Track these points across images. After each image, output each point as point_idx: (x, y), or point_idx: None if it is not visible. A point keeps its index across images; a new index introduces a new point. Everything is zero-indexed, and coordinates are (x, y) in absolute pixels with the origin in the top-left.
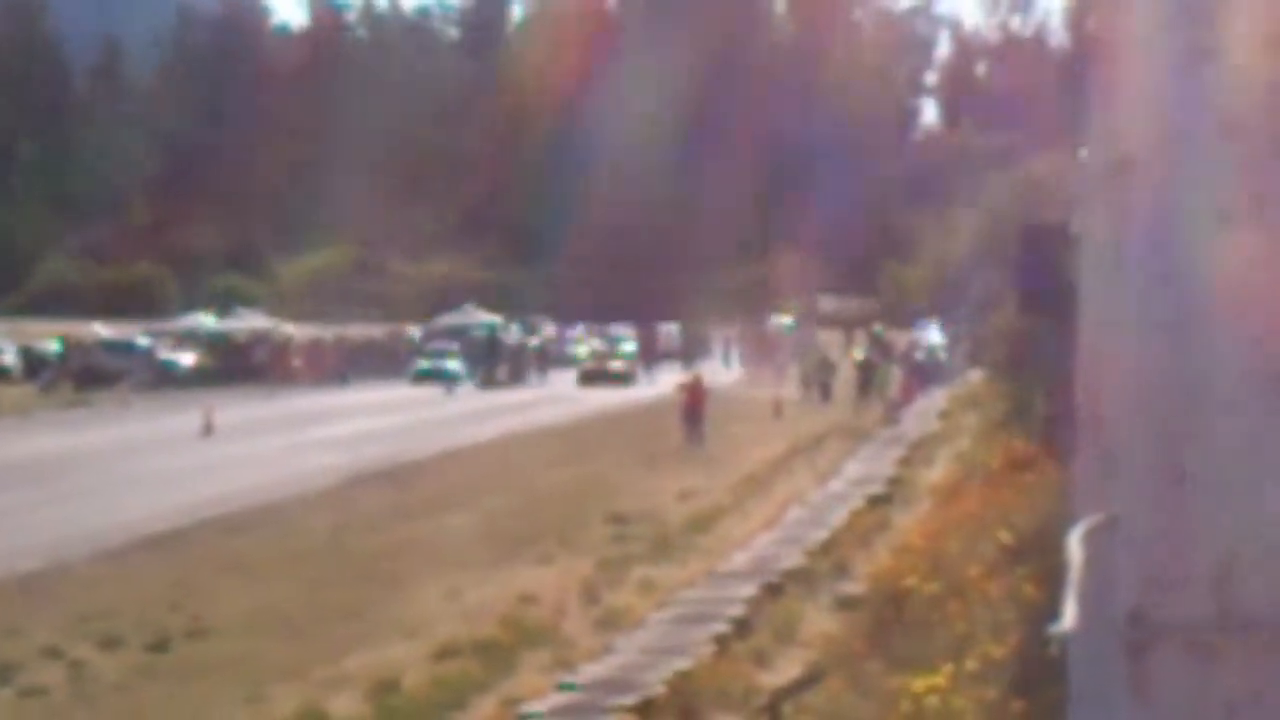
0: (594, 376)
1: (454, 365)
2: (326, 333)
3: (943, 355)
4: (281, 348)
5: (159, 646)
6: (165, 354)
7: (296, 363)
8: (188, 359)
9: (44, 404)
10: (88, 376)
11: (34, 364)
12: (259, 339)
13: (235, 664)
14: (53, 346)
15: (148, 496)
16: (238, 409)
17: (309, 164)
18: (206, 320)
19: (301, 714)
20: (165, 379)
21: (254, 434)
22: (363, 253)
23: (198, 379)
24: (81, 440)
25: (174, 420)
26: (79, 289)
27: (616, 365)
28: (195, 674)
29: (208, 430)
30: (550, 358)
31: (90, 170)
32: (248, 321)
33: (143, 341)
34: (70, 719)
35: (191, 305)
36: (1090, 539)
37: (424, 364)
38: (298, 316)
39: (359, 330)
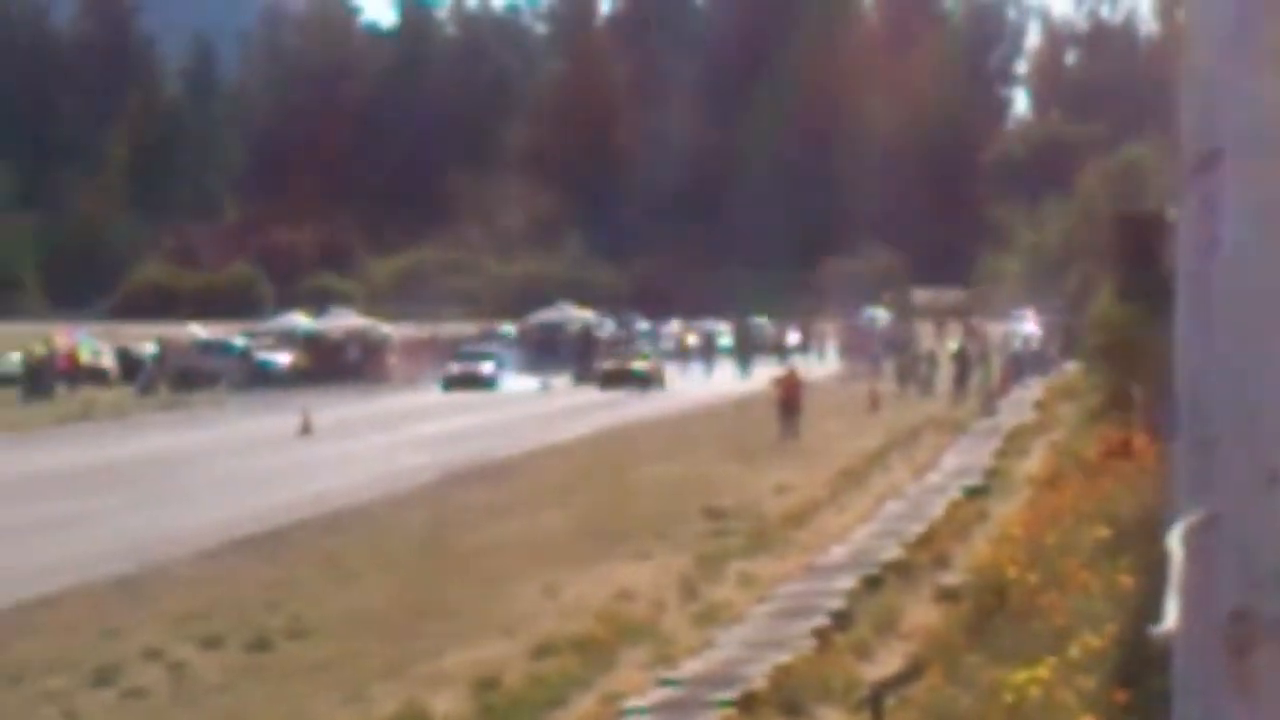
0: (615, 379)
1: (489, 368)
2: (420, 331)
3: (1038, 346)
4: (377, 346)
5: (259, 646)
6: (261, 354)
7: (392, 361)
8: (283, 359)
9: (141, 406)
10: (184, 378)
11: (130, 366)
12: (354, 338)
13: (335, 663)
14: (149, 349)
15: (246, 497)
16: (334, 408)
17: (401, 162)
18: (301, 320)
19: (403, 713)
20: (261, 379)
21: (350, 433)
22: (455, 251)
23: (293, 379)
24: (179, 441)
25: (271, 420)
26: (174, 291)
27: (641, 365)
28: (296, 674)
29: (305, 430)
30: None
31: (183, 172)
32: (342, 321)
33: (239, 342)
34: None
35: (286, 305)
36: (1191, 535)
37: (454, 369)
38: (390, 315)
39: (452, 328)
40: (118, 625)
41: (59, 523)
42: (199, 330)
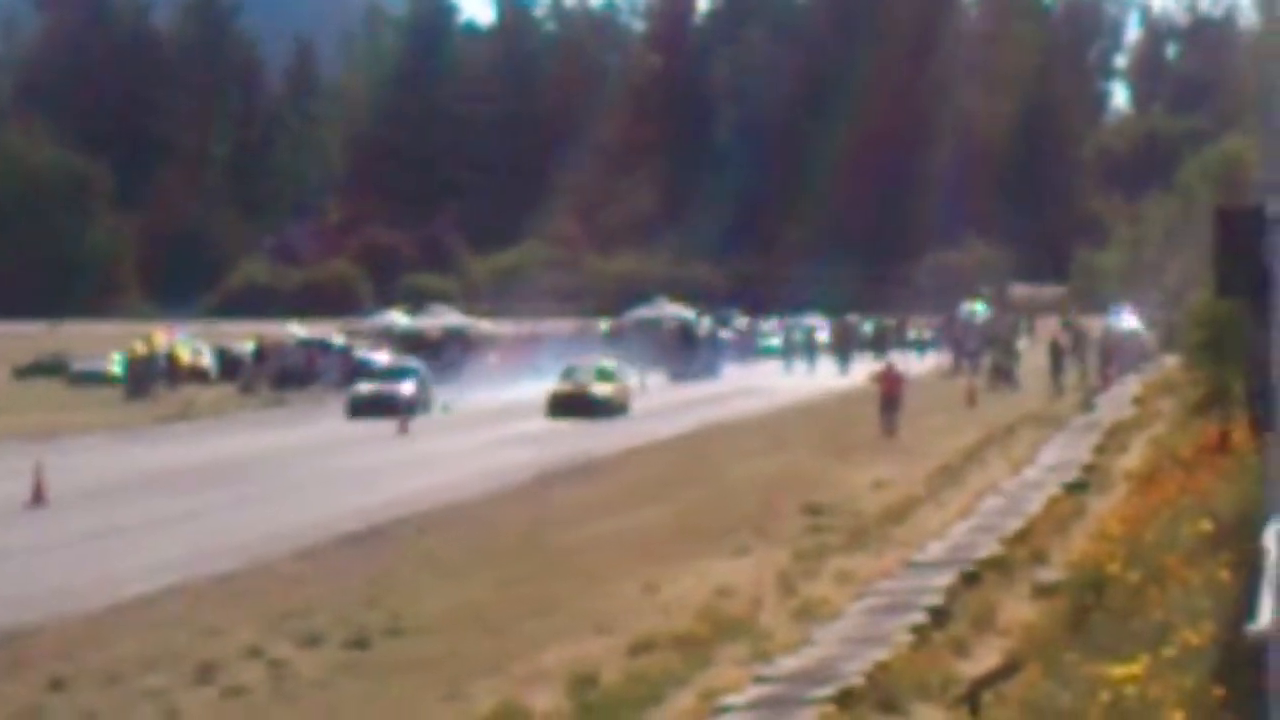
0: (567, 406)
1: (409, 388)
2: (520, 328)
3: (1136, 341)
4: (476, 344)
5: (358, 644)
6: (361, 352)
7: (491, 359)
8: (382, 357)
9: (241, 405)
10: (284, 376)
11: (230, 365)
12: (452, 336)
13: (434, 661)
14: (247, 348)
15: (345, 494)
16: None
17: (499, 160)
18: (400, 318)
19: (501, 710)
20: (360, 377)
21: (449, 431)
22: (553, 248)
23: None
24: (279, 440)
25: (370, 418)
26: (273, 290)
27: (600, 390)
28: (395, 671)
29: (403, 428)
30: (745, 350)
31: (283, 172)
32: (441, 319)
33: (338, 341)
34: (269, 717)
35: (385, 303)
36: None
37: (363, 389)
38: (489, 313)
39: (551, 325)
40: (218, 623)
41: (161, 521)
42: (298, 329)
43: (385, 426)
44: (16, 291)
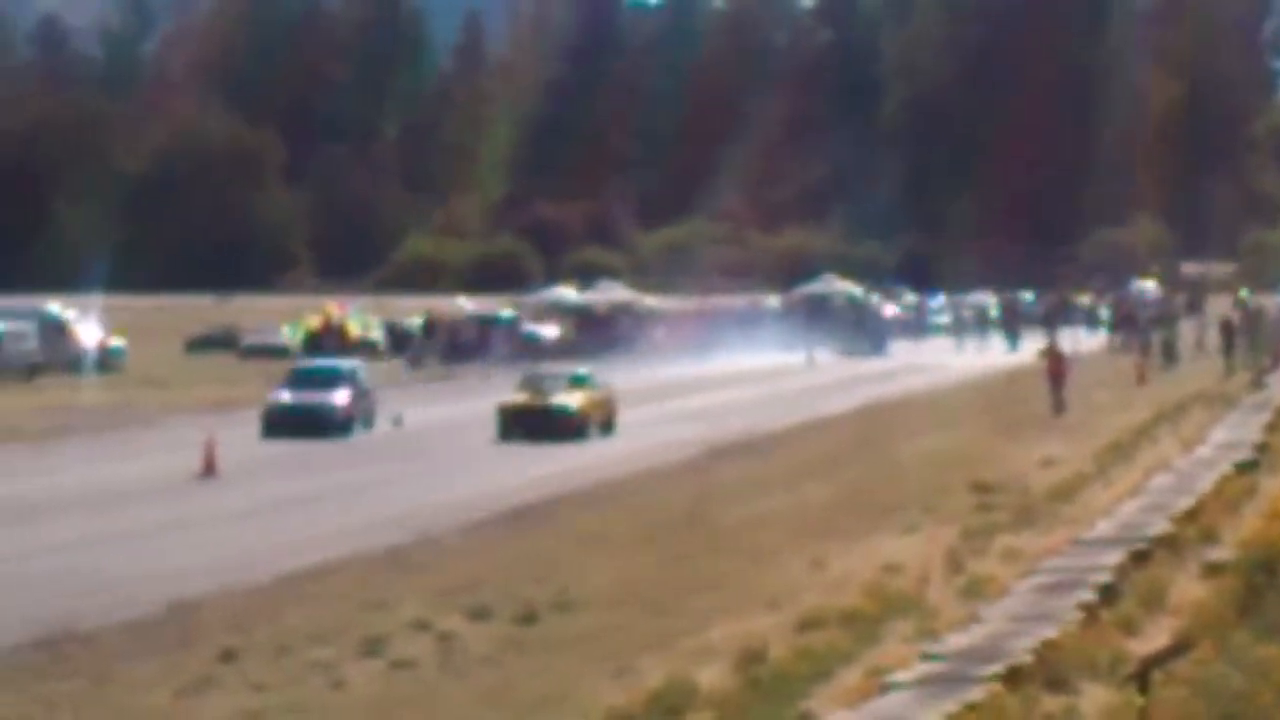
0: (521, 422)
1: (342, 398)
2: (687, 304)
3: None
4: (644, 319)
5: (526, 619)
6: (529, 327)
7: (659, 334)
8: (551, 331)
9: (411, 378)
10: (453, 350)
11: (399, 339)
12: (621, 310)
13: (601, 636)
14: (416, 321)
15: (513, 469)
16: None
17: (667, 136)
18: (569, 293)
19: (669, 685)
20: (529, 351)
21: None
22: (721, 224)
23: (561, 351)
24: (449, 413)
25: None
26: (442, 264)
27: (564, 402)
28: (562, 646)
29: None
30: (914, 327)
31: (451, 147)
32: (609, 293)
33: (506, 315)
34: (439, 691)
35: (553, 278)
36: None
37: (284, 397)
38: (657, 288)
39: (719, 301)
40: (386, 596)
41: (329, 493)
42: (467, 303)
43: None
44: (188, 265)
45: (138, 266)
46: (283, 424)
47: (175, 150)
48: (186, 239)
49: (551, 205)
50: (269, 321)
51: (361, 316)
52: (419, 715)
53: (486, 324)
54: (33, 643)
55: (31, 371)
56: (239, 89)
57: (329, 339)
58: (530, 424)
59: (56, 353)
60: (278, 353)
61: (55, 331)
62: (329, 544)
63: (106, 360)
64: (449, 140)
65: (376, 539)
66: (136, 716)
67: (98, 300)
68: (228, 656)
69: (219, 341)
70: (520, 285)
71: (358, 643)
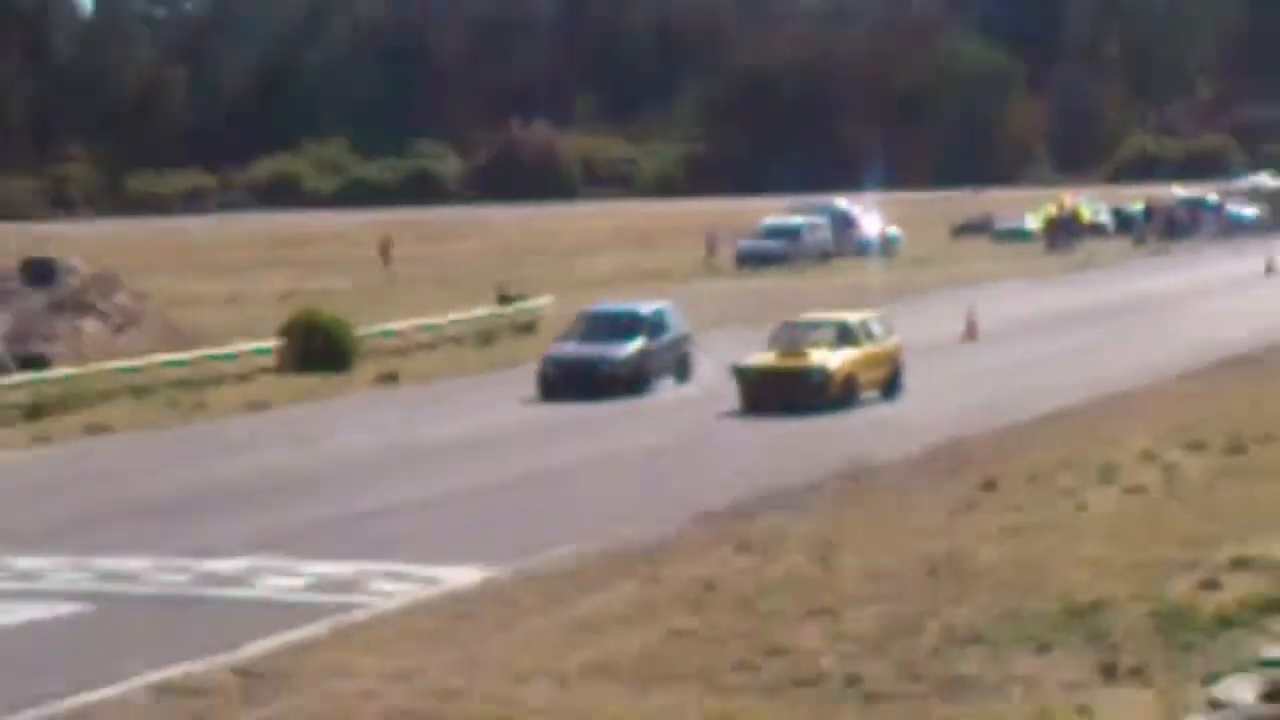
0: (764, 392)
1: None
2: None
3: None
4: None
5: (1235, 450)
6: (1232, 209)
7: None
8: (1251, 212)
9: (1135, 254)
10: (1169, 230)
11: (1123, 222)
12: None
13: None
14: (1138, 207)
15: (1221, 329)
16: None
17: None
18: (1267, 180)
19: None
20: (1233, 230)
21: None
22: None
23: (1260, 229)
24: (1161, 284)
25: (1237, 265)
26: (1158, 158)
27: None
28: (1268, 473)
29: (1270, 270)
30: None
31: (1166, 57)
32: None
33: (1212, 199)
34: (1163, 510)
35: (1254, 168)
36: None
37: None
38: None
39: None
40: (1117, 433)
41: (1068, 351)
42: (1179, 190)
43: (1254, 271)
44: (948, 164)
45: (907, 169)
46: (557, 385)
47: (942, 72)
48: (948, 144)
49: (1252, 105)
50: (1015, 210)
51: (1092, 204)
52: (1150, 530)
53: (1196, 207)
54: (838, 475)
55: (825, 257)
56: (990, 20)
57: (1066, 223)
58: (774, 392)
59: (845, 241)
60: (1023, 235)
61: (844, 223)
62: (1069, 391)
63: (886, 246)
64: (1164, 52)
65: (1107, 387)
66: (923, 529)
67: (877, 197)
68: (989, 484)
69: (976, 227)
70: (1225, 174)
71: (1096, 471)
